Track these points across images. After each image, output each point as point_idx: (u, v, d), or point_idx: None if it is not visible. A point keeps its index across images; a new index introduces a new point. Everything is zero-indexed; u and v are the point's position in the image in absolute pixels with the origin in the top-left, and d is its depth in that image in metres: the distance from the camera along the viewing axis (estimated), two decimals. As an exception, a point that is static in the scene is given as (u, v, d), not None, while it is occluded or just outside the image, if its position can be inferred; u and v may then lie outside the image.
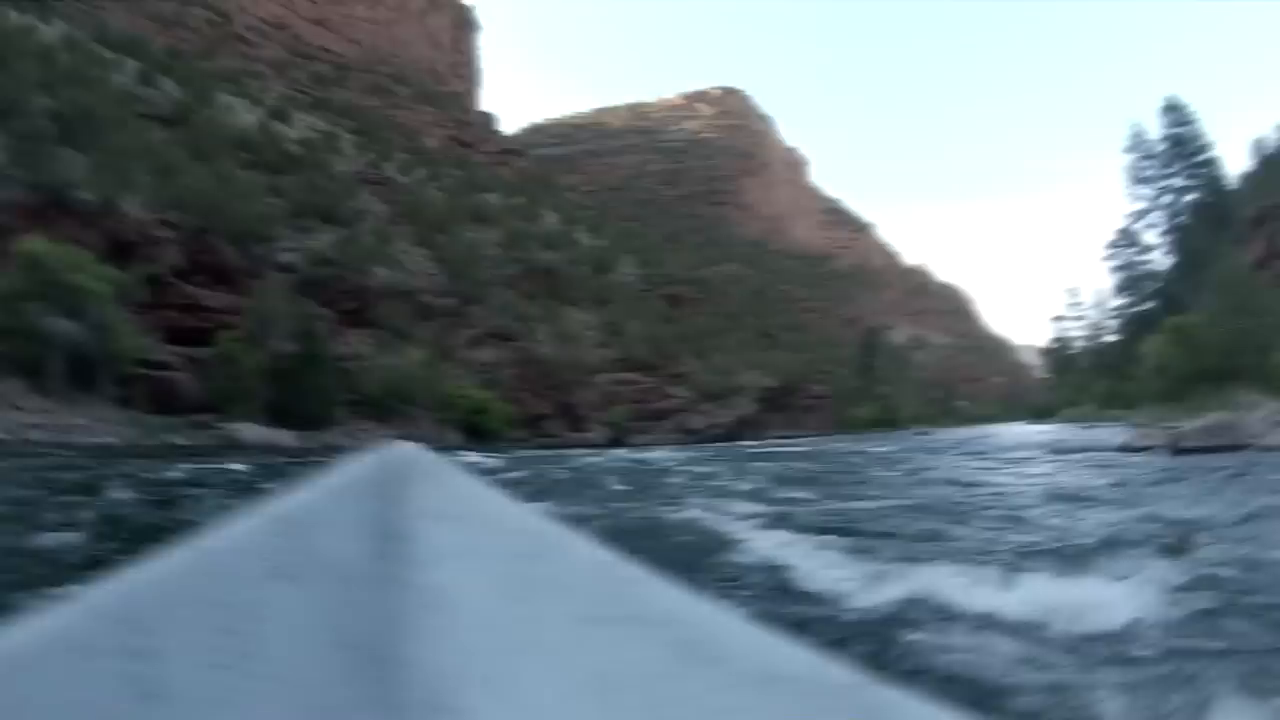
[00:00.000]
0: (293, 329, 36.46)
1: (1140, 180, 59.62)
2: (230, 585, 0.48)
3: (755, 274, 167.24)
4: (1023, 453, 19.56)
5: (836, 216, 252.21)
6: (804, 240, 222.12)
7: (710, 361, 69.90)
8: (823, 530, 6.55)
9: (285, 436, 31.01)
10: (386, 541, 0.56)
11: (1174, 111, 56.66)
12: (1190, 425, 18.01)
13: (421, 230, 59.53)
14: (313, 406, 33.60)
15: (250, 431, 30.20)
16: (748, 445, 39.10)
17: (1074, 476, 12.31)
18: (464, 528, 0.61)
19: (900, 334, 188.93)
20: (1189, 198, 57.06)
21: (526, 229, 74.44)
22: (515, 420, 44.68)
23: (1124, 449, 18.59)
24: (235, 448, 26.05)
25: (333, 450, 22.77)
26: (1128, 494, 9.56)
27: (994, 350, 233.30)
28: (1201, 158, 57.10)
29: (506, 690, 0.50)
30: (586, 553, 0.69)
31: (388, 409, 37.98)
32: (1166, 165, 57.77)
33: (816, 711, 0.48)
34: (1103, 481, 11.22)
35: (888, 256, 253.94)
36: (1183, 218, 56.81)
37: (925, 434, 58.92)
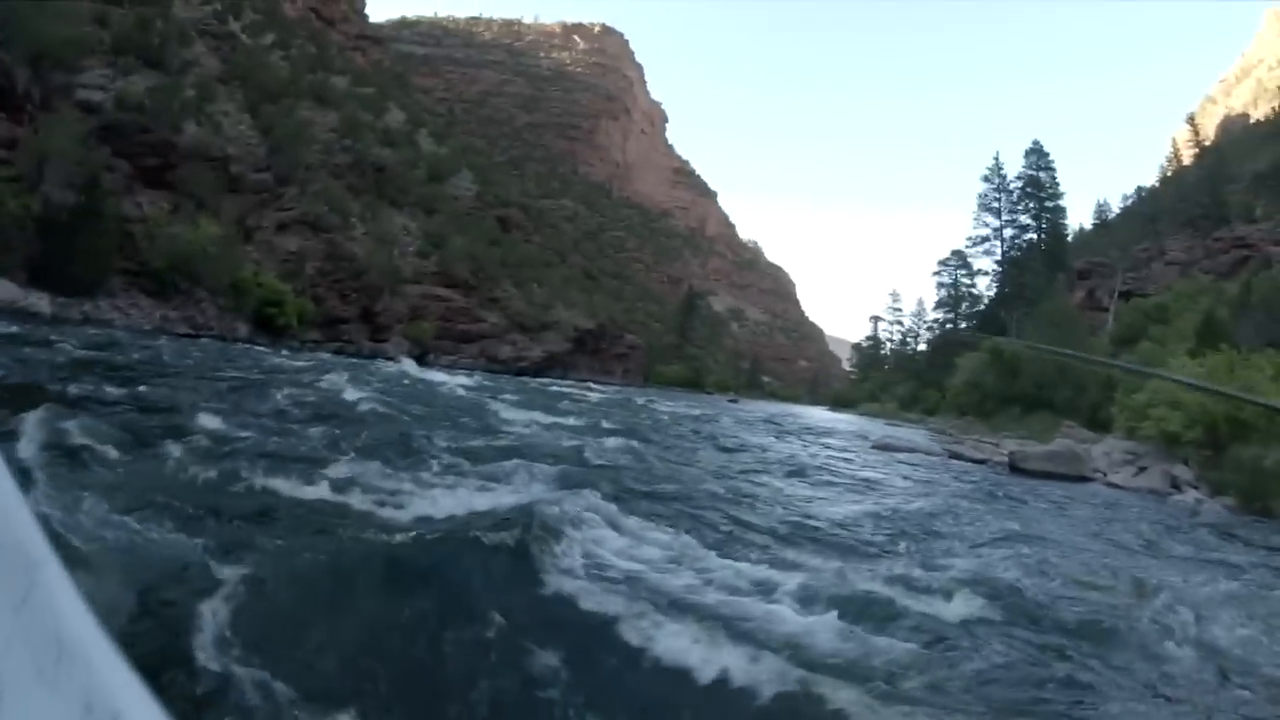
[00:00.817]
0: (76, 177, 31.53)
1: (988, 209, 64.03)
2: None
3: (591, 215, 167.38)
4: (849, 448, 19.60)
5: (684, 178, 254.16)
6: (647, 194, 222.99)
7: (529, 292, 69.28)
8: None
9: (39, 301, 27.12)
10: None
11: (1036, 155, 61.25)
12: (1031, 446, 19.26)
13: (253, 97, 54.82)
14: (83, 269, 29.39)
15: (-5, 290, 26.09)
16: (554, 383, 39.27)
17: (929, 489, 11.93)
18: None
19: (721, 302, 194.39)
20: (1029, 236, 62.12)
21: (367, 120, 70.42)
22: (312, 319, 42.24)
23: (955, 457, 19.69)
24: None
25: (93, 323, 20.69)
26: (1007, 515, 9.57)
27: (807, 335, 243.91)
28: (1051, 203, 62.07)
29: None
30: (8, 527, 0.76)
31: (170, 285, 34.36)
32: (1018, 202, 62.25)
33: None
34: (966, 497, 11.19)
35: (725, 226, 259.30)
36: (1019, 252, 61.55)
37: (735, 401, 61.37)
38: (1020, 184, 62.52)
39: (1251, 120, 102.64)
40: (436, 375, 24.26)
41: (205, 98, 48.85)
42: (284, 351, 29.29)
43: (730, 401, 60.64)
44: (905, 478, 13.38)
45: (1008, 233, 63.63)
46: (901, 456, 18.32)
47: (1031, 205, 62.06)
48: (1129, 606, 4.98)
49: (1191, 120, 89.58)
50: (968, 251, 67.30)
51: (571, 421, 14.53)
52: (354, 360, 30.15)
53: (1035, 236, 61.91)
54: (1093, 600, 5.14)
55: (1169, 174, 79.30)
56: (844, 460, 15.26)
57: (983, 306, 69.77)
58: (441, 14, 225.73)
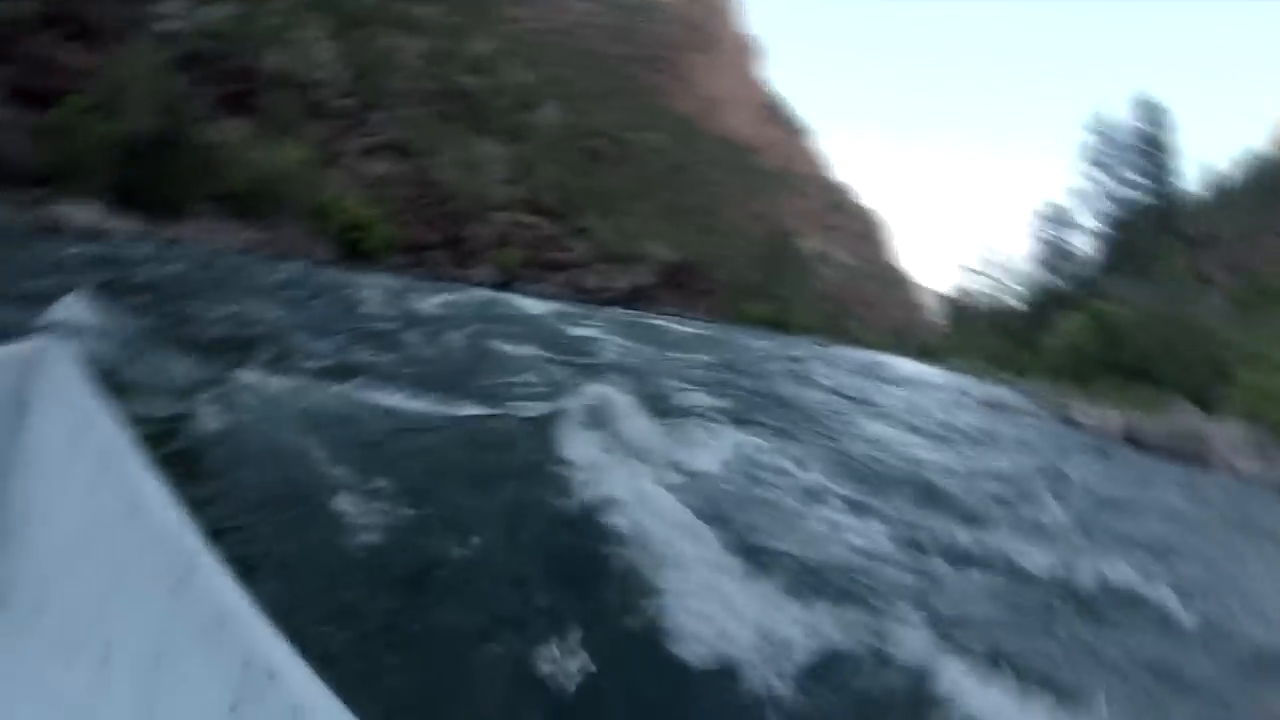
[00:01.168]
0: (158, 103, 31.35)
1: (1096, 163, 59.41)
2: None
3: (678, 148, 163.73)
4: (960, 403, 18.14)
5: (774, 114, 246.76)
6: (735, 129, 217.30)
7: (617, 223, 67.85)
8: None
9: (127, 224, 26.93)
10: (19, 417, 0.68)
11: (1149, 109, 56.26)
12: (1148, 420, 17.20)
13: (337, 24, 54.11)
14: (167, 192, 29.28)
15: (84, 214, 25.79)
16: (642, 317, 37.84)
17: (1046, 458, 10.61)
18: (70, 463, 0.80)
19: (808, 243, 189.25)
20: (1138, 195, 57.25)
21: (454, 47, 69.20)
22: (398, 245, 41.59)
23: (1067, 421, 17.88)
24: (55, 230, 22.29)
25: (177, 244, 20.24)
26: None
27: (895, 282, 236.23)
28: (1165, 164, 57.12)
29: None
30: (162, 524, 0.83)
31: (254, 209, 33.83)
32: (1130, 157, 57.55)
33: None
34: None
35: (814, 166, 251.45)
36: (1124, 213, 57.21)
37: (824, 346, 59.18)
38: (1132, 139, 57.41)
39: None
40: (528, 304, 23.31)
41: (288, 24, 48.14)
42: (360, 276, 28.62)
43: (817, 345, 58.51)
44: (1022, 441, 11.65)
45: (1114, 190, 58.83)
46: (1011, 415, 16.63)
47: (1143, 163, 56.95)
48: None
49: None
50: (1067, 206, 62.92)
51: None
52: (440, 284, 29.26)
53: (1145, 197, 56.65)
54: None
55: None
56: (959, 417, 13.65)
57: (1082, 269, 65.53)
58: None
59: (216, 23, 41.89)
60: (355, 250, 38.19)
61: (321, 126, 42.71)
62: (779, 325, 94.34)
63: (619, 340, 13.62)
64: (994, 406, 18.04)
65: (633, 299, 57.25)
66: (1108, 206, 59.34)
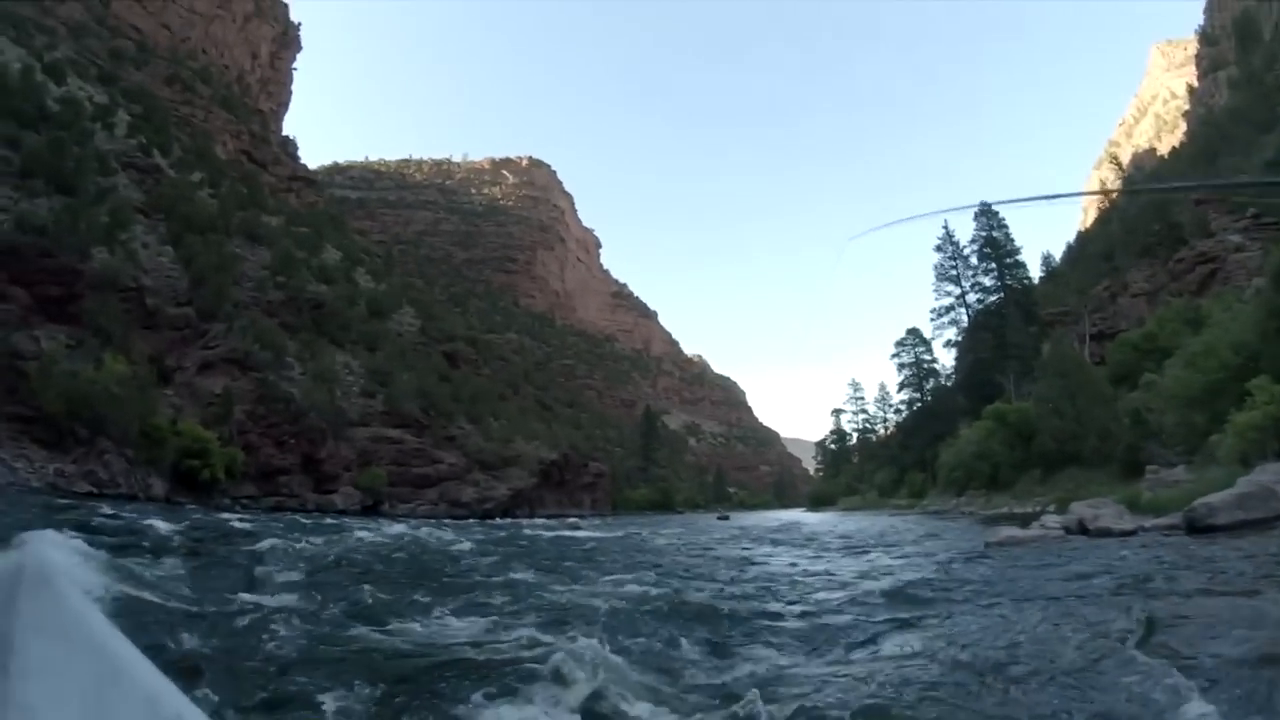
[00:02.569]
0: None
1: (947, 278, 62.04)
2: None
3: (537, 346, 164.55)
4: (970, 552, 14.68)
5: (623, 301, 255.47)
6: (589, 320, 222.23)
7: (486, 427, 63.78)
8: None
9: None
10: None
11: (987, 215, 58.50)
12: (1213, 496, 13.99)
13: (176, 229, 49.77)
14: None
15: None
16: (523, 524, 33.74)
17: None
18: (60, 647, 0.81)
19: (675, 420, 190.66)
20: (993, 298, 59.62)
21: (302, 257, 65.82)
22: (244, 472, 35.83)
23: (1082, 533, 14.79)
24: None
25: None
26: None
27: (764, 440, 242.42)
28: (1011, 259, 59.99)
29: None
30: (153, 690, 0.86)
31: (68, 432, 28.45)
32: (978, 264, 60.24)
33: None
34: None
35: (668, 344, 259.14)
36: (986, 316, 58.98)
37: (726, 519, 57.56)
38: (976, 247, 60.36)
39: (1158, 153, 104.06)
40: (395, 528, 19.20)
41: (119, 223, 43.72)
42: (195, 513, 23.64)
43: (720, 519, 56.71)
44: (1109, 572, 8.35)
45: (970, 298, 61.36)
46: (1029, 547, 13.52)
47: (992, 266, 59.62)
48: None
49: (1115, 159, 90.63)
50: (933, 322, 64.68)
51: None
52: (296, 516, 24.58)
53: (1001, 296, 58.92)
54: None
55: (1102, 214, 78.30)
56: (992, 569, 10.32)
57: (947, 380, 69.66)
58: (373, 158, 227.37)
59: (40, 217, 37.16)
60: (192, 479, 32.34)
61: (154, 338, 37.53)
62: (664, 505, 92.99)
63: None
64: (1006, 544, 14.54)
65: (514, 505, 52.60)
66: (968, 314, 61.43)
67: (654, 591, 8.56)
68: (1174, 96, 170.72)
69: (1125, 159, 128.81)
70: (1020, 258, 61.01)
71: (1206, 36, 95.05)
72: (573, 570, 11.56)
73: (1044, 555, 11.47)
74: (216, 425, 35.02)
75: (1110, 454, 28.49)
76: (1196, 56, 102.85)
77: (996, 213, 59.57)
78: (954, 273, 62.03)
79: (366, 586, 8.09)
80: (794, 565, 12.63)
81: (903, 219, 5.84)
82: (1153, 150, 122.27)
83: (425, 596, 7.86)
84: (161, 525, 13.75)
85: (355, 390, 52.26)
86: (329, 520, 25.38)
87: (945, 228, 62.69)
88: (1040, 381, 37.64)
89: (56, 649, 0.78)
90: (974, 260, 60.81)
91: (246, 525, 17.57)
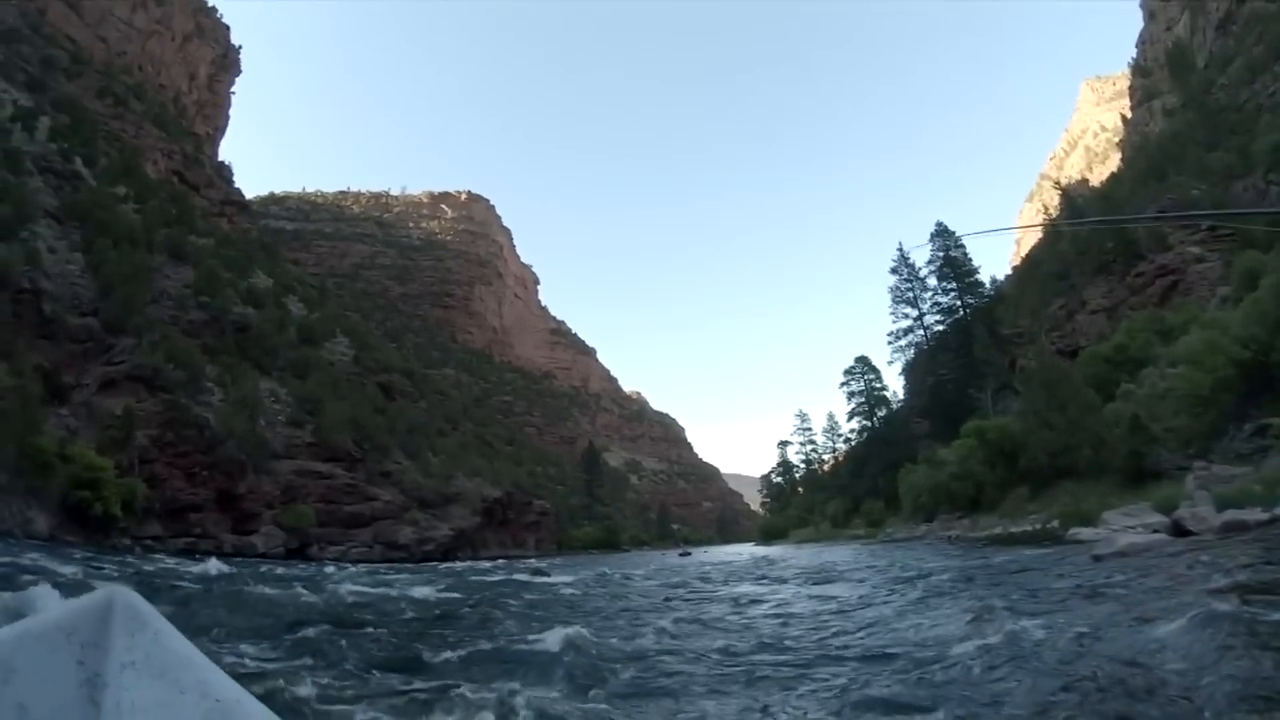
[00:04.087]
0: None
1: (904, 300, 61.40)
2: None
3: (475, 382, 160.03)
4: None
5: (561, 338, 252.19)
6: (527, 357, 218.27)
7: (425, 462, 59.35)
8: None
9: None
10: (89, 692, 0.74)
11: (943, 235, 58.37)
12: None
13: (92, 238, 44.66)
14: None
15: None
16: (488, 570, 29.68)
17: None
18: (161, 686, 0.82)
19: (615, 457, 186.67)
20: (953, 318, 59.05)
21: (229, 278, 60.88)
22: (147, 507, 30.81)
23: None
24: None
25: None
26: None
27: (705, 476, 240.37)
28: (971, 279, 59.84)
29: None
30: None
31: None
32: (940, 283, 59.69)
33: None
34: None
35: (607, 381, 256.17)
36: (950, 332, 58.31)
37: (688, 555, 54.84)
38: (935, 267, 59.90)
39: (1089, 184, 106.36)
40: (340, 582, 15.55)
41: (22, 219, 38.70)
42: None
43: (682, 555, 53.88)
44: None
45: (930, 319, 60.93)
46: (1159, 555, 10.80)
47: (952, 285, 59.10)
48: None
49: (1058, 184, 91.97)
50: (891, 345, 64.32)
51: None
52: (204, 561, 20.52)
53: (962, 315, 58.39)
54: None
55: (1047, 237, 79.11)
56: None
57: (904, 406, 69.04)
58: (310, 189, 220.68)
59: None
60: (83, 514, 27.50)
61: (51, 349, 32.59)
62: (609, 544, 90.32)
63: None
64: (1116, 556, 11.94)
65: (456, 546, 48.32)
66: (925, 335, 60.88)
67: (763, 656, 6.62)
68: (1103, 129, 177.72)
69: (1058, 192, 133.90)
70: (980, 276, 61.10)
71: (1140, 68, 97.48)
72: (618, 629, 9.10)
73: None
74: (115, 451, 30.02)
75: (1106, 464, 26.90)
76: (1130, 88, 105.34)
77: (953, 232, 59.77)
78: (911, 294, 61.47)
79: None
80: (901, 615, 9.16)
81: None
82: (1085, 180, 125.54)
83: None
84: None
85: (281, 419, 47.67)
86: (238, 569, 21.34)
87: (900, 250, 63.25)
88: (1023, 395, 36.02)
89: (159, 689, 0.77)
90: (931, 281, 60.60)
91: (115, 572, 13.75)
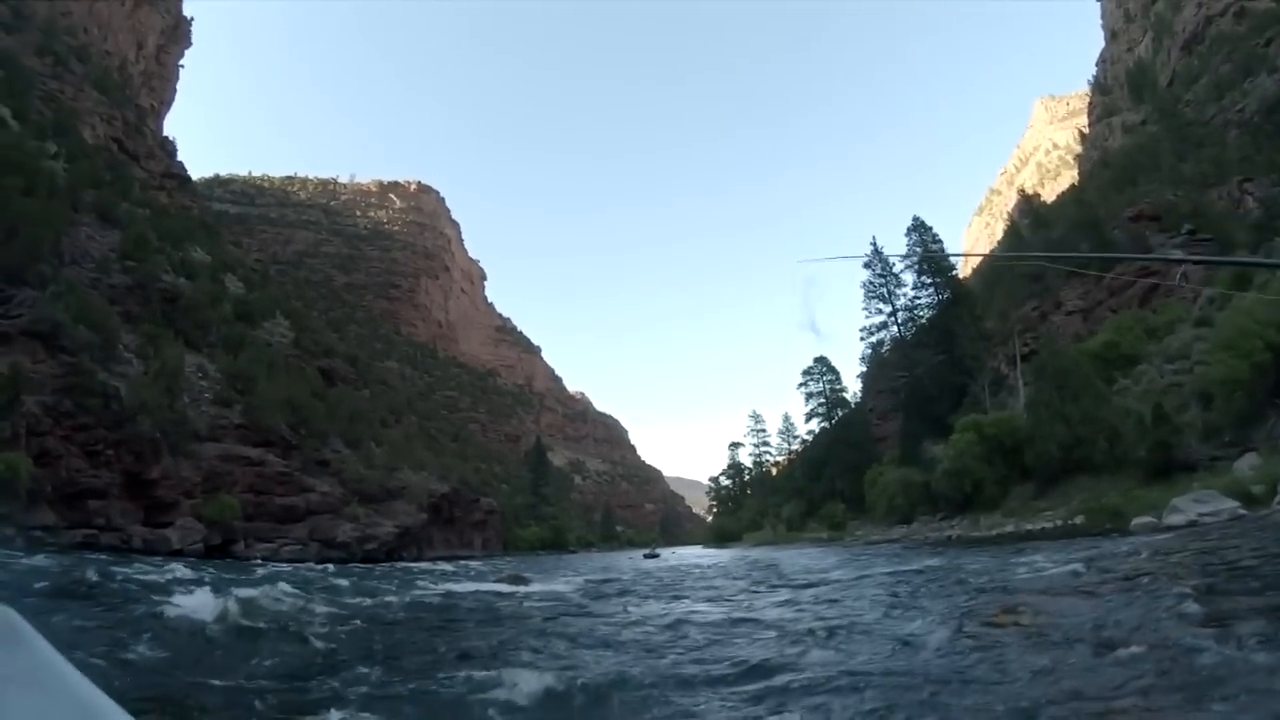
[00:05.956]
0: None
1: (877, 296, 59.83)
2: None
3: (419, 376, 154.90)
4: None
5: (506, 335, 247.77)
6: (472, 353, 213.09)
7: (367, 453, 54.57)
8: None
9: None
10: None
11: (920, 230, 57.33)
12: None
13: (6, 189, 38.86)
14: None
15: None
16: (420, 571, 25.43)
17: None
18: (38, 700, 0.84)
19: (559, 457, 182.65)
20: (931, 312, 57.62)
21: (162, 246, 55.25)
22: (35, 489, 25.63)
23: None
24: None
25: None
26: None
27: (648, 479, 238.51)
28: (950, 274, 59.30)
29: None
30: None
31: None
32: (919, 277, 58.19)
33: None
34: None
35: (551, 381, 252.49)
36: (927, 328, 56.82)
37: (656, 556, 51.44)
38: (912, 261, 58.39)
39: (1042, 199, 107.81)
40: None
41: None
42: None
43: (649, 557, 52.02)
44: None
45: (902, 315, 59.46)
46: None
47: (929, 280, 57.63)
48: None
49: (1022, 191, 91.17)
50: (864, 341, 63.71)
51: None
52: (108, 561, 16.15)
53: (939, 309, 56.99)
54: None
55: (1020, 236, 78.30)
56: None
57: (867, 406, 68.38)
58: (256, 173, 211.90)
59: None
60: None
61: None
62: (556, 545, 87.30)
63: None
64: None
65: (400, 546, 43.81)
66: (899, 330, 59.98)
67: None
68: (1055, 147, 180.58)
69: (1009, 205, 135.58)
70: (956, 272, 60.50)
71: (1100, 86, 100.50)
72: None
73: None
74: (-2, 421, 24.87)
75: (1123, 458, 26.03)
76: (1090, 104, 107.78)
77: (930, 227, 58.49)
78: (884, 290, 59.88)
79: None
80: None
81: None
82: (1037, 195, 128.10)
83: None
84: None
85: (207, 396, 42.61)
86: (149, 571, 16.97)
87: (874, 244, 61.85)
88: (1033, 386, 34.27)
89: (34, 699, 0.80)
90: (906, 276, 59.47)
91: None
